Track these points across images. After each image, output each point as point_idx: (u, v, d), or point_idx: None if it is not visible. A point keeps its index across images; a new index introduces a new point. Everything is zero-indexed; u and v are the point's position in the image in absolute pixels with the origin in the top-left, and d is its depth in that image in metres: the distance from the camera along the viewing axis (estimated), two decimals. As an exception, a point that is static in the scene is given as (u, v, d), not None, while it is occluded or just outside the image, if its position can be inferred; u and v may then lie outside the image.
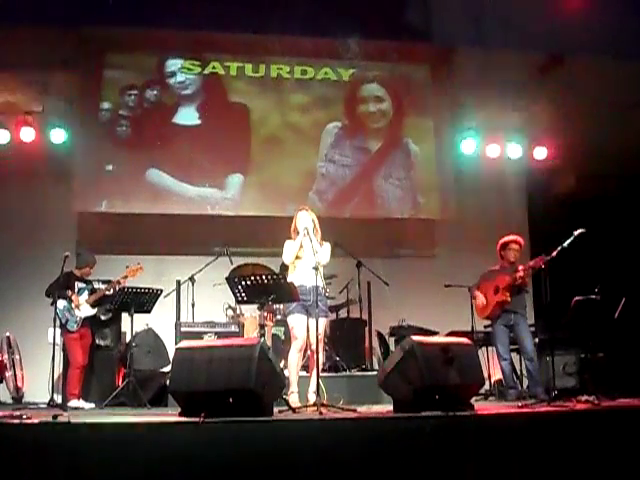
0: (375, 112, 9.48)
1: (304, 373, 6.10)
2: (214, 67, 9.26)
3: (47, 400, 6.70)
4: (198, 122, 9.11)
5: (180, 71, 9.18)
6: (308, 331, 5.61)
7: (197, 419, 4.02)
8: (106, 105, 8.97)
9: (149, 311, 7.08)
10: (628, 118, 8.64)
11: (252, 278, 5.42)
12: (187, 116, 9.10)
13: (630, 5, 7.47)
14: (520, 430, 4.25)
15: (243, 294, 5.48)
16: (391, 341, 8.28)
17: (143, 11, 8.04)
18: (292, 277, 5.75)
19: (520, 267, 6.73)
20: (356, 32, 8.50)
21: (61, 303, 6.90)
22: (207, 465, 3.87)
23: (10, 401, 7.95)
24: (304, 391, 5.70)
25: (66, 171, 8.64)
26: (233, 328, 7.47)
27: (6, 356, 7.97)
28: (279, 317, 7.57)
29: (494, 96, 8.88)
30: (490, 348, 7.65)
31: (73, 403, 6.71)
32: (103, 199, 8.69)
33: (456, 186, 9.31)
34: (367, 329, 8.17)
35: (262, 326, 5.80)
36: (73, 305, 6.96)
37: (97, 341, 7.41)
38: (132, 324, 7.00)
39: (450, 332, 7.57)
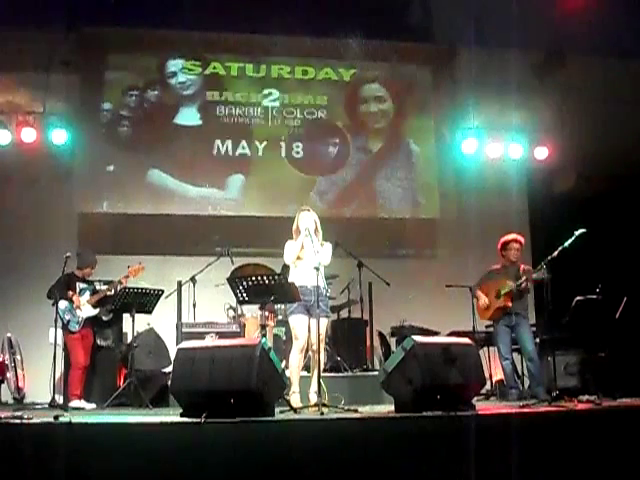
0: (376, 112, 9.50)
1: (305, 373, 6.10)
2: (215, 67, 9.27)
3: (48, 400, 6.70)
4: (199, 122, 9.11)
5: (181, 71, 9.20)
6: (309, 331, 5.60)
7: (198, 419, 4.02)
8: (107, 106, 8.99)
9: (150, 312, 7.08)
10: (628, 118, 8.64)
11: (253, 278, 5.42)
12: (188, 116, 9.11)
13: (630, 5, 7.47)
14: (521, 430, 4.24)
15: (244, 294, 5.48)
16: (392, 341, 8.27)
17: (144, 12, 8.05)
18: (293, 277, 5.75)
19: (523, 276, 6.73)
20: (357, 32, 8.50)
21: (63, 304, 6.90)
22: (209, 465, 3.87)
23: (11, 401, 7.95)
24: (305, 391, 5.70)
25: (67, 172, 8.65)
26: (234, 328, 7.47)
27: (7, 356, 7.96)
28: (280, 317, 7.57)
29: (495, 96, 8.89)
30: (491, 348, 7.65)
31: (74, 403, 6.70)
32: (104, 199, 8.71)
33: (457, 186, 9.32)
34: (368, 329, 8.16)
35: (263, 326, 5.81)
36: (74, 305, 6.96)
37: (98, 341, 7.41)
38: (133, 324, 7.00)
39: (451, 332, 7.57)
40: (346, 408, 5.31)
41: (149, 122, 9.03)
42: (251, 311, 7.62)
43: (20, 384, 8.07)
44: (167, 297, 7.40)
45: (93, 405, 6.84)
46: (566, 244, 5.88)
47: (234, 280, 5.54)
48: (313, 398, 5.47)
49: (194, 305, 7.68)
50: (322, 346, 5.67)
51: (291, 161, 9.14)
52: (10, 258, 8.60)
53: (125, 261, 7.56)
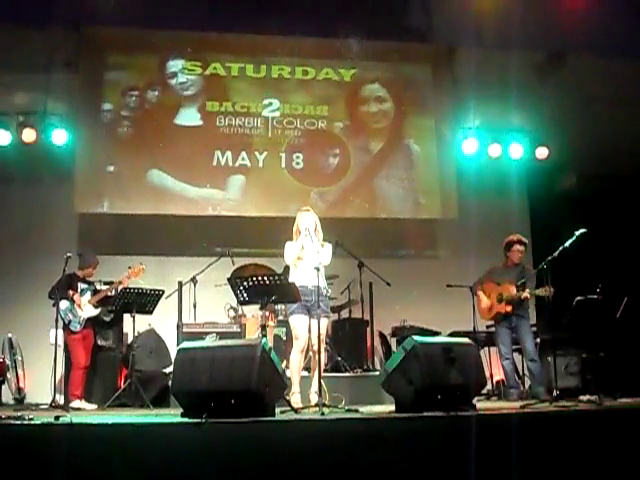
0: (376, 112, 9.47)
1: (306, 373, 6.10)
2: (215, 68, 9.25)
3: (49, 401, 6.70)
4: (200, 123, 9.11)
5: (181, 72, 9.17)
6: (310, 331, 5.61)
7: (199, 420, 4.02)
8: (107, 106, 8.97)
9: (151, 312, 7.09)
10: (628, 118, 8.64)
11: (254, 279, 5.42)
12: (188, 117, 9.10)
13: (630, 5, 7.46)
14: (522, 430, 4.24)
15: (245, 295, 5.48)
16: (393, 341, 8.28)
17: (144, 12, 8.04)
18: (294, 277, 5.75)
19: (525, 275, 6.76)
20: (357, 32, 8.50)
21: (64, 304, 6.91)
22: (209, 466, 3.87)
23: (12, 402, 7.96)
24: (306, 391, 5.71)
25: (67, 172, 8.64)
26: (235, 329, 7.47)
27: (8, 357, 7.98)
28: (281, 317, 7.57)
29: (495, 96, 8.88)
30: (492, 348, 7.66)
31: (75, 404, 6.71)
32: (104, 200, 8.69)
33: (457, 186, 9.31)
34: (369, 329, 8.16)
35: (264, 327, 5.82)
36: (75, 306, 6.97)
37: (99, 342, 7.42)
38: (134, 325, 7.01)
39: (452, 332, 7.58)
40: (347, 408, 5.32)
41: (149, 122, 9.01)
42: (252, 311, 7.64)
43: (21, 384, 8.08)
44: (168, 297, 7.41)
45: (94, 405, 6.84)
46: (567, 244, 5.88)
47: (235, 280, 5.55)
48: (314, 398, 5.48)
49: (195, 305, 7.68)
50: (323, 346, 5.67)
51: (291, 172, 9.09)
52: (10, 258, 8.61)
53: (125, 261, 7.57)
